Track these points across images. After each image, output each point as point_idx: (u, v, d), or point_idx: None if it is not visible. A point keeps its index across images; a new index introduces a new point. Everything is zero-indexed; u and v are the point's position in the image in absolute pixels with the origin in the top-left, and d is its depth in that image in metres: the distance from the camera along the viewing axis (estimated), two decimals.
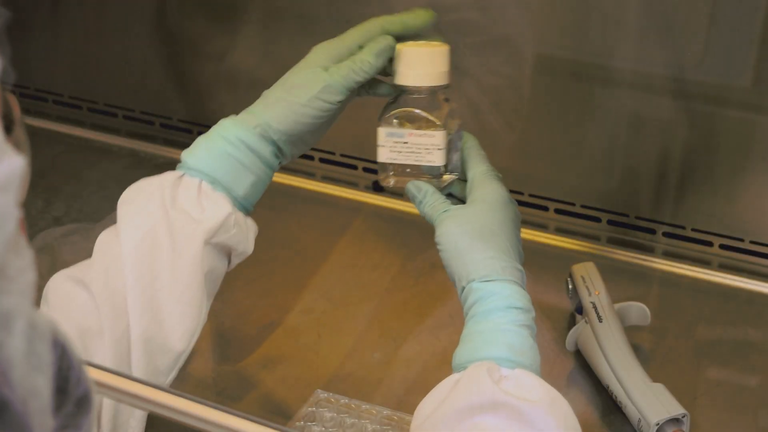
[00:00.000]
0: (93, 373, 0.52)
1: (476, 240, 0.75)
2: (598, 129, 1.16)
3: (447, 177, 0.82)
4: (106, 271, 0.75)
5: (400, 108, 0.80)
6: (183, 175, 0.78)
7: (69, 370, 0.38)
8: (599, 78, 1.13)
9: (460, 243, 0.75)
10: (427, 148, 0.79)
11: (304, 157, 1.31)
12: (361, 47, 0.80)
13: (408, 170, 0.81)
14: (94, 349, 0.72)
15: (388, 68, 0.81)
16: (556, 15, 1.12)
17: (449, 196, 0.83)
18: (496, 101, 1.17)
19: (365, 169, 1.30)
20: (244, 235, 0.79)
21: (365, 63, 0.78)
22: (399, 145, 0.80)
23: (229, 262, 0.81)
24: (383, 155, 0.81)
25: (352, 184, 1.30)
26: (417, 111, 0.80)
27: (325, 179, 1.30)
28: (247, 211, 0.80)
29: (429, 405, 0.70)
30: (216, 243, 0.77)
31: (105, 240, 0.77)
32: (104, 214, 1.22)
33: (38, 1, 1.41)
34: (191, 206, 0.76)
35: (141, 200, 0.77)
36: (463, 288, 0.74)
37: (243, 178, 0.78)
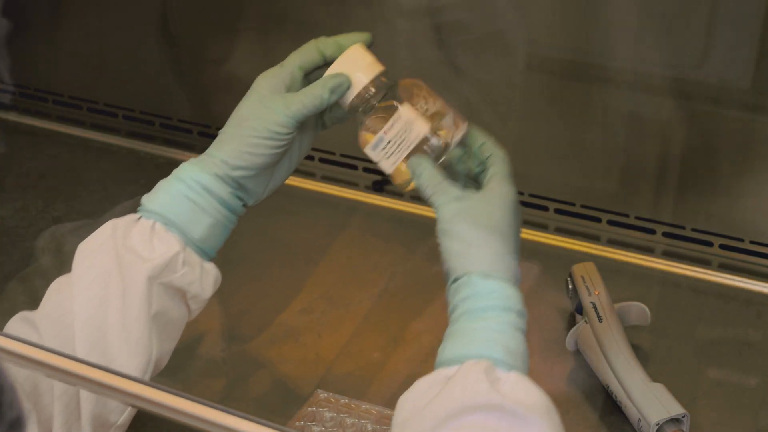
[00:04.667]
0: (93, 373, 0.52)
1: (485, 234, 0.73)
2: (598, 129, 1.16)
3: (454, 152, 0.80)
4: (55, 310, 0.75)
5: (364, 121, 0.80)
6: (140, 217, 0.78)
7: (1, 393, 0.38)
8: (599, 78, 1.13)
9: (467, 233, 0.73)
10: (406, 130, 0.79)
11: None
12: (302, 70, 0.81)
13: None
14: (43, 390, 0.72)
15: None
16: (557, 15, 1.13)
17: (455, 176, 0.81)
18: (493, 101, 1.17)
19: (365, 169, 1.30)
20: (197, 276, 0.77)
21: (317, 98, 0.79)
22: (388, 147, 0.80)
23: (188, 308, 0.79)
24: (386, 166, 0.80)
25: (352, 184, 1.30)
26: (376, 112, 0.79)
27: (324, 179, 1.30)
28: (208, 257, 0.79)
29: (416, 398, 0.68)
30: (165, 283, 0.75)
31: (59, 281, 0.77)
32: (101, 215, 1.23)
33: (39, 1, 1.41)
34: (142, 246, 0.76)
35: (95, 243, 0.77)
36: (457, 279, 0.72)
37: (199, 219, 0.77)
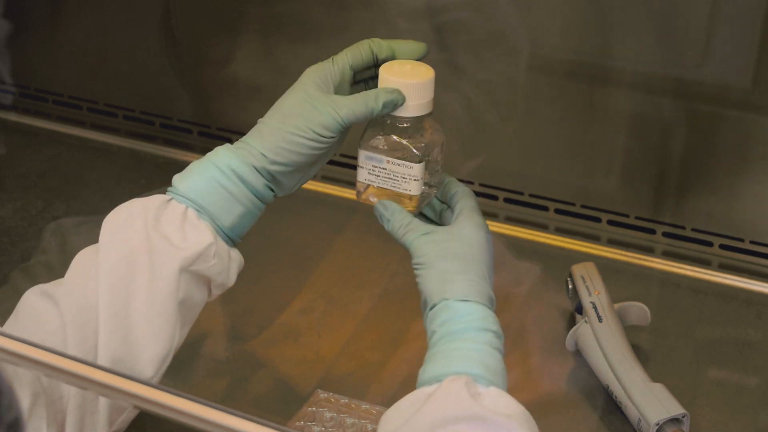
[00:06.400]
0: (94, 373, 0.52)
1: (457, 262, 0.74)
2: (598, 129, 1.16)
3: (425, 191, 0.81)
4: (79, 288, 0.74)
5: (383, 134, 0.80)
6: (171, 199, 0.77)
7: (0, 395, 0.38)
8: (599, 78, 1.13)
9: (440, 263, 0.75)
10: (404, 177, 0.79)
11: None
12: (352, 70, 0.80)
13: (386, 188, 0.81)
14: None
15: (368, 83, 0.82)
16: (557, 16, 1.13)
17: (420, 215, 0.82)
18: (494, 101, 1.17)
19: None
20: (225, 266, 0.77)
21: (369, 109, 0.77)
22: (378, 169, 0.80)
23: (210, 292, 0.79)
24: (361, 176, 0.81)
25: (352, 184, 1.29)
26: (399, 140, 0.79)
27: (324, 179, 1.30)
28: (233, 243, 0.79)
29: (397, 416, 0.68)
30: (194, 271, 0.75)
31: (83, 257, 0.76)
32: (104, 214, 1.23)
33: (39, 1, 1.41)
34: (173, 232, 0.75)
35: (124, 221, 0.76)
36: (434, 305, 0.73)
37: (231, 208, 0.77)
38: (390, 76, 0.78)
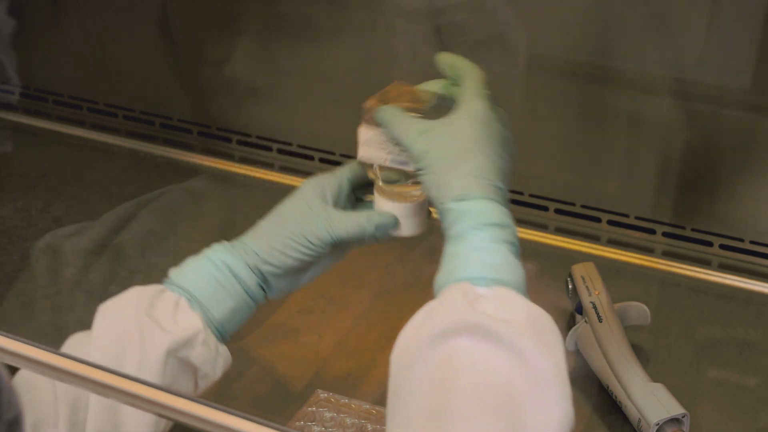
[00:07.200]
0: (93, 373, 0.52)
1: (450, 159, 0.72)
2: (598, 129, 1.16)
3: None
4: None
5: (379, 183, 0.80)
6: (164, 289, 0.78)
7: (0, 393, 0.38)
8: (599, 78, 1.13)
9: (437, 163, 0.72)
10: (370, 145, 0.79)
11: (304, 157, 1.31)
12: (350, 183, 0.82)
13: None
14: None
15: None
16: (557, 16, 1.13)
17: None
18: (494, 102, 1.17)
19: None
20: (212, 357, 0.77)
21: (360, 228, 0.79)
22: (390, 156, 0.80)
23: (196, 384, 0.79)
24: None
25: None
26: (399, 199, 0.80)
27: None
28: (223, 339, 0.79)
29: (406, 334, 0.67)
30: (181, 358, 0.76)
31: (77, 338, 0.77)
32: (104, 214, 1.23)
33: (39, 1, 1.41)
34: (164, 318, 0.76)
35: (118, 306, 0.77)
36: (440, 211, 0.72)
37: (222, 302, 0.78)
38: (382, 197, 0.80)
